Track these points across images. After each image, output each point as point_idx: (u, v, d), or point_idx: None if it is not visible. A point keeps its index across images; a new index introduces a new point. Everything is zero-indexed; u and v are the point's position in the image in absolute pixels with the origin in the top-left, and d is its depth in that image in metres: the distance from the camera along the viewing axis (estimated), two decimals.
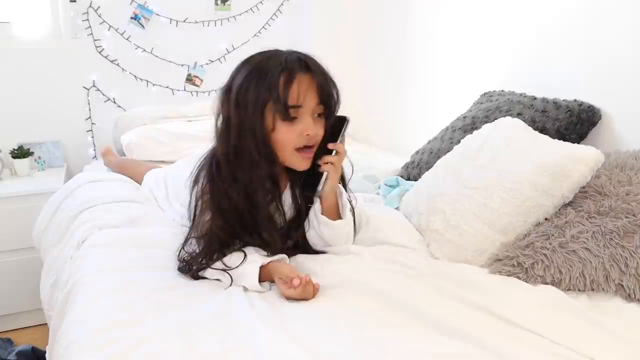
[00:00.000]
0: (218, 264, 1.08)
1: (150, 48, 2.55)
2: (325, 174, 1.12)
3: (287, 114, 1.06)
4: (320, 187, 1.13)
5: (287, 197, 1.20)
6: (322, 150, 1.12)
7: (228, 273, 1.07)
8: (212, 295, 1.02)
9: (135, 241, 1.28)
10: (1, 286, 2.11)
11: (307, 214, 1.20)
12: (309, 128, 1.08)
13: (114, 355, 0.83)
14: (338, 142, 1.12)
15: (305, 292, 1.00)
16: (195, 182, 1.14)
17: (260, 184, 1.11)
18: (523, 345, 0.87)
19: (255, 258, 1.08)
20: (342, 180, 1.24)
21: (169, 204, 1.53)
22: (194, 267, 1.09)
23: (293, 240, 1.19)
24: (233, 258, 1.08)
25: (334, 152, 1.12)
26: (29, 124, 2.39)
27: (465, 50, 2.02)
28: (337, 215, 1.19)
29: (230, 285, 1.06)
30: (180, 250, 1.12)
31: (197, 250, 1.10)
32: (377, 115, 2.62)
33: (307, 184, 1.14)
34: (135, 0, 2.47)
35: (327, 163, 1.11)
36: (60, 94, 2.43)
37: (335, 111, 1.14)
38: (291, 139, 1.08)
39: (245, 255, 1.08)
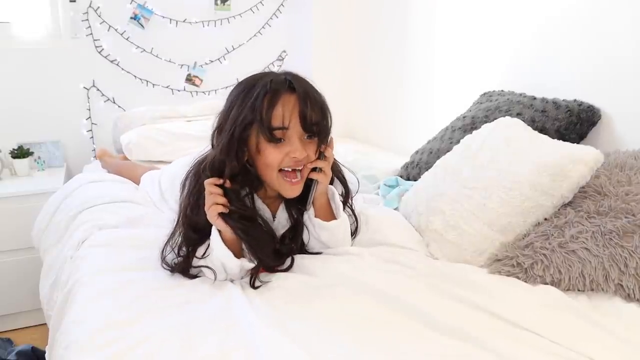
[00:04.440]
0: (197, 261, 1.09)
1: (150, 48, 2.55)
2: (315, 181, 1.11)
3: (272, 136, 1.04)
4: (312, 195, 1.12)
5: (281, 217, 1.19)
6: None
7: (209, 268, 1.07)
8: (211, 296, 1.02)
9: (134, 241, 1.28)
10: (1, 286, 2.11)
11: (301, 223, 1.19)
12: (296, 150, 1.05)
13: (113, 355, 0.83)
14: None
15: None
16: (183, 187, 1.13)
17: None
18: (522, 345, 0.87)
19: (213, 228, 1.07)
20: (346, 196, 1.23)
21: (166, 205, 1.53)
22: (177, 269, 1.10)
23: (287, 248, 1.18)
24: (200, 249, 1.09)
25: (321, 155, 1.11)
26: (29, 124, 2.39)
27: (465, 50, 2.02)
28: (331, 216, 1.18)
29: (215, 279, 1.07)
30: (163, 253, 1.12)
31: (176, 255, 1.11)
32: (377, 115, 2.62)
33: (300, 199, 1.14)
34: (135, 0, 2.47)
35: (315, 170, 1.10)
36: (60, 94, 2.43)
37: (326, 133, 1.10)
38: (277, 160, 1.06)
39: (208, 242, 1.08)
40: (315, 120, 1.06)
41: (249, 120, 1.03)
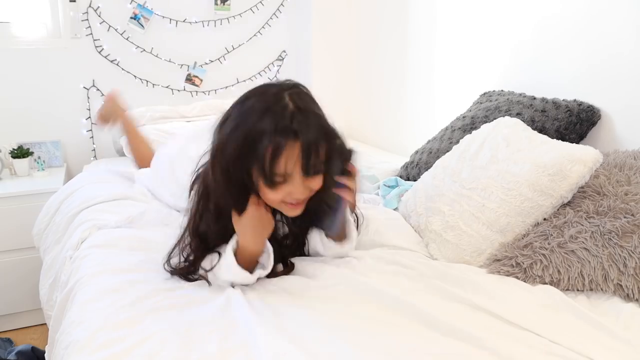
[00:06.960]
0: (201, 271, 1.08)
1: (150, 48, 2.55)
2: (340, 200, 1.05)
3: (274, 183, 0.99)
4: (338, 217, 1.07)
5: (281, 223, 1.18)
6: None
7: (207, 279, 1.07)
8: (211, 297, 1.02)
9: (134, 242, 1.28)
10: (1, 286, 2.11)
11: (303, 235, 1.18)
12: (297, 192, 1.00)
13: (113, 356, 0.83)
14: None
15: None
16: (191, 190, 1.12)
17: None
18: (522, 345, 0.87)
19: (227, 249, 1.06)
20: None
21: (175, 184, 1.49)
22: (182, 273, 1.10)
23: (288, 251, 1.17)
24: (211, 258, 1.07)
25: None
26: (29, 124, 2.39)
27: (464, 50, 2.02)
28: (342, 234, 1.16)
29: (210, 285, 1.07)
30: (168, 257, 1.11)
31: (182, 260, 1.10)
32: (377, 115, 2.62)
33: (322, 220, 1.10)
34: (135, 0, 2.48)
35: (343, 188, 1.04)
36: (60, 94, 2.43)
37: (333, 168, 1.03)
38: (277, 199, 1.02)
39: (219, 254, 1.06)
40: (318, 166, 1.00)
41: (250, 165, 0.98)
